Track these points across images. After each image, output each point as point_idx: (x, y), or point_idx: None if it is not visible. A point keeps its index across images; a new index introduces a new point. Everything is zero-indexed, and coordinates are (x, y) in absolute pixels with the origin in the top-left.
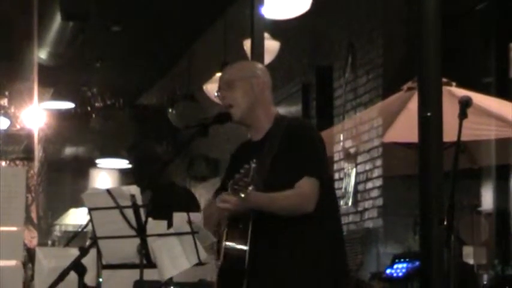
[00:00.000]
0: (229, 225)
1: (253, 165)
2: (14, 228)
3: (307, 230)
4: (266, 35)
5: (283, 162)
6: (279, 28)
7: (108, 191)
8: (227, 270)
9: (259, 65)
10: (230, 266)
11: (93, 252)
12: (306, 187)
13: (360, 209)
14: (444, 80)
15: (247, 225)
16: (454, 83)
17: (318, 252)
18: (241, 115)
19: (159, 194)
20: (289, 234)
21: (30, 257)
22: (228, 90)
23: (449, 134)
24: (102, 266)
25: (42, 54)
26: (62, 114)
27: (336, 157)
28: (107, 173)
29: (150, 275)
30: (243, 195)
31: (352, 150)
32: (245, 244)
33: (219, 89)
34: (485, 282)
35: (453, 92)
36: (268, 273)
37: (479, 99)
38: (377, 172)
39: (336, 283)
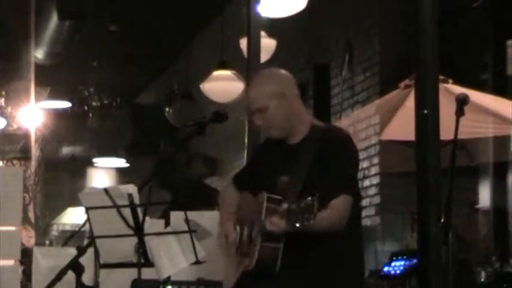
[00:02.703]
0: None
1: (316, 203)
2: (11, 228)
3: (340, 240)
4: (263, 33)
5: (320, 172)
6: (275, 26)
7: (106, 190)
8: (255, 269)
9: (283, 75)
10: (262, 265)
11: (90, 251)
12: (342, 206)
13: None
14: (441, 77)
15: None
16: (450, 80)
17: (348, 261)
18: (280, 133)
19: (188, 190)
20: (322, 242)
21: (27, 256)
22: (261, 115)
23: (446, 131)
24: (99, 265)
25: (39, 53)
26: (59, 114)
27: None
28: (104, 172)
29: (148, 274)
30: (298, 225)
31: None
32: (280, 242)
33: (252, 115)
34: (482, 279)
35: (450, 89)
36: (298, 275)
37: (476, 96)
38: (374, 170)
39: None
